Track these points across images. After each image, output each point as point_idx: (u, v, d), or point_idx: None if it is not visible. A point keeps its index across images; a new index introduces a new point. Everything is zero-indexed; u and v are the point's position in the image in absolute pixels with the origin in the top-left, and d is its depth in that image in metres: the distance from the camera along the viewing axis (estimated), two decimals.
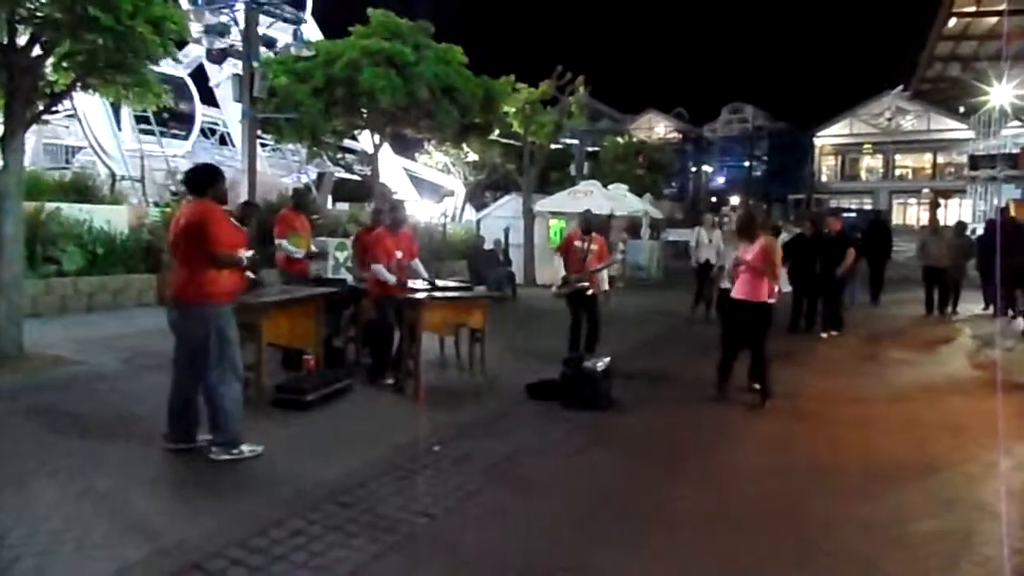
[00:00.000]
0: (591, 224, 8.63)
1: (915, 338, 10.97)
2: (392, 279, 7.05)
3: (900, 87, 43.96)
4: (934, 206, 37.76)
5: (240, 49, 13.83)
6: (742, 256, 6.75)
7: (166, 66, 9.90)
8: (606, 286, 8.92)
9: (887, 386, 7.69)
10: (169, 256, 5.12)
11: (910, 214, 47.17)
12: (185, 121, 22.80)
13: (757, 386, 6.87)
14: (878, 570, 3.52)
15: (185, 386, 4.87)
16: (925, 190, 45.73)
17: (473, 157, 23.97)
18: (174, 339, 4.88)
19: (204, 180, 4.91)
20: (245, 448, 4.82)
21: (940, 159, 47.86)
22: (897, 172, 50.22)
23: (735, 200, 44.66)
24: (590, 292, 8.30)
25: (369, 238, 7.58)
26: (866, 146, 50.29)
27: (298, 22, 15.55)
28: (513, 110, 18.67)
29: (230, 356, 4.82)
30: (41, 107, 7.66)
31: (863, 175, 51.64)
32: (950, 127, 44.49)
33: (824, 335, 10.68)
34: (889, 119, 48.40)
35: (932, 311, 12.99)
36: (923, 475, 4.97)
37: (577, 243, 8.42)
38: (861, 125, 49.75)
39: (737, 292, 6.78)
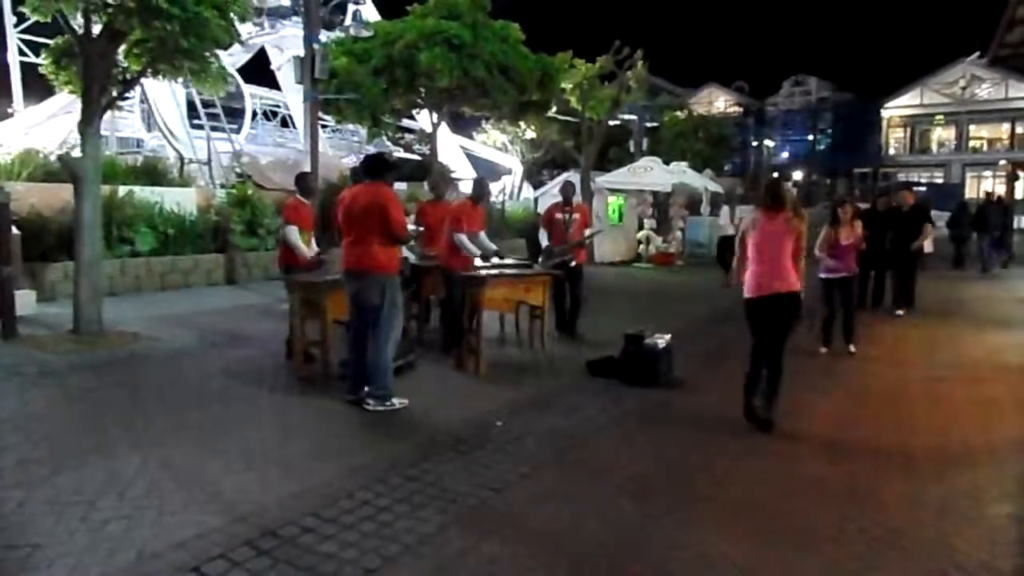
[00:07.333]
0: (571, 194, 8.70)
1: (991, 316, 10.57)
2: (476, 251, 7.28)
3: (976, 54, 41.97)
4: (1012, 178, 36.00)
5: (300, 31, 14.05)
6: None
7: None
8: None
9: (960, 365, 7.44)
10: (340, 232, 5.67)
11: (984, 187, 45.19)
12: (235, 115, 22.49)
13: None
14: (953, 551, 3.43)
15: (362, 346, 5.51)
16: (1002, 162, 43.65)
17: (531, 135, 23.88)
18: (353, 306, 5.56)
19: (382, 167, 5.59)
20: (396, 401, 5.45)
21: (1019, 128, 45.65)
22: (971, 144, 48.04)
23: (798, 175, 43.45)
24: (573, 264, 8.37)
25: (450, 210, 7.58)
26: (938, 117, 48.18)
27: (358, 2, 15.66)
28: (571, 86, 18.50)
29: (399, 319, 5.57)
30: (115, 93, 7.94)
31: (934, 147, 49.59)
32: None
33: (900, 312, 10.36)
34: (963, 88, 46.17)
35: None
36: (999, 457, 4.82)
37: (558, 215, 8.49)
38: (932, 95, 47.62)
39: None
